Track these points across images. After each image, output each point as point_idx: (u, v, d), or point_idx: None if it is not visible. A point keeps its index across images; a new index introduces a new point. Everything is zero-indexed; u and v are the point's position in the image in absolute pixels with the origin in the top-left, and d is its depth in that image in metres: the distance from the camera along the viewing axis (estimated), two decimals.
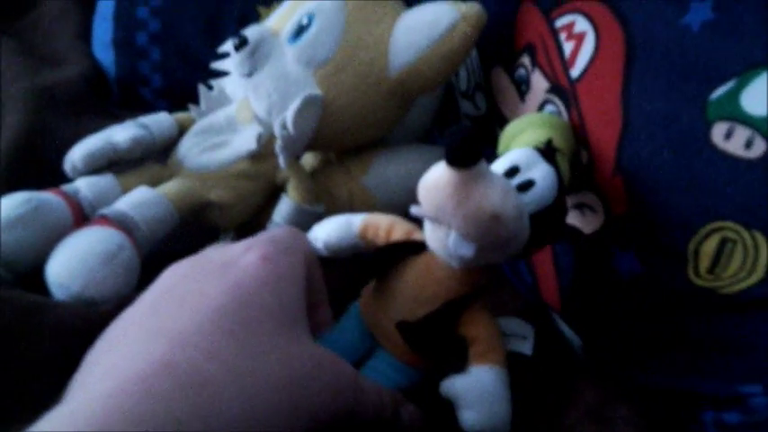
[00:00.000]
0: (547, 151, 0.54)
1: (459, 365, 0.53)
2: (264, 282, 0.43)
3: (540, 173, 0.51)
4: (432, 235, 0.49)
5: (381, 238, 0.56)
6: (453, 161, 0.42)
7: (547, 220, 0.50)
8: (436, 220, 0.47)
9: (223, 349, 0.39)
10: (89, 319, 0.57)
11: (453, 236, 0.46)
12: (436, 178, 0.44)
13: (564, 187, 0.53)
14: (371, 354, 0.57)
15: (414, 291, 0.54)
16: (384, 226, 0.57)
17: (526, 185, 0.50)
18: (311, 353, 0.43)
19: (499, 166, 0.52)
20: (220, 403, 0.36)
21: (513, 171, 0.52)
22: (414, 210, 0.47)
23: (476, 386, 0.51)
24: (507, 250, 0.48)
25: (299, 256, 0.47)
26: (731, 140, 0.51)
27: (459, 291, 0.53)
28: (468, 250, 0.46)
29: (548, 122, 0.60)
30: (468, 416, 0.50)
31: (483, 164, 0.43)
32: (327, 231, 0.58)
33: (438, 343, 0.55)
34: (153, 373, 0.36)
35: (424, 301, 0.53)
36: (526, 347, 0.57)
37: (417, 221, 0.52)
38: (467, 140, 0.41)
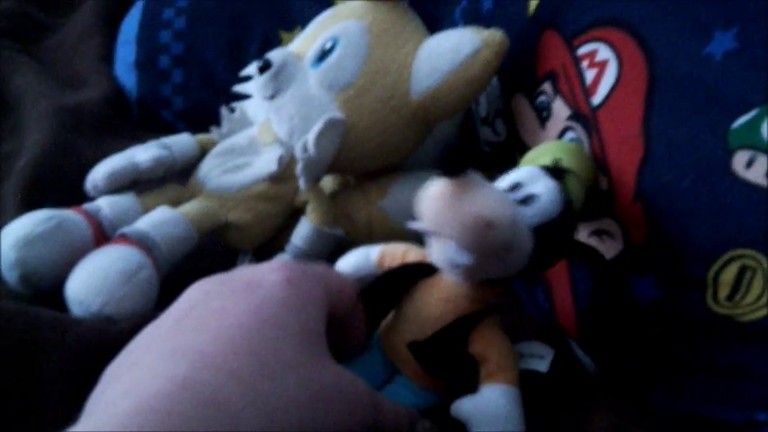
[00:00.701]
0: (553, 170, 0.54)
1: (474, 386, 0.53)
2: (288, 303, 0.43)
3: (543, 187, 0.52)
4: (434, 250, 0.50)
5: (397, 264, 0.57)
6: (446, 171, 0.44)
7: (552, 234, 0.51)
8: (434, 233, 0.47)
9: (244, 369, 0.38)
10: (108, 336, 0.57)
11: (450, 246, 0.46)
12: (432, 190, 0.46)
13: (571, 203, 0.53)
14: (391, 380, 0.57)
15: (424, 311, 0.54)
16: (399, 253, 0.57)
17: (528, 200, 0.51)
18: (331, 373, 0.43)
19: (502, 182, 0.53)
20: (239, 423, 0.36)
21: (515, 187, 0.53)
22: (411, 224, 0.48)
23: (486, 406, 0.51)
24: (509, 262, 0.49)
25: (321, 281, 0.47)
26: (752, 169, 0.51)
27: (469, 308, 0.53)
28: (465, 259, 0.46)
29: (566, 149, 0.60)
30: None
31: (475, 174, 0.45)
32: (347, 262, 0.59)
33: (449, 361, 0.55)
34: (173, 391, 0.36)
35: (434, 320, 0.53)
36: (542, 365, 0.57)
37: None
38: (459, 152, 0.44)
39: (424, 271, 0.55)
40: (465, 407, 0.51)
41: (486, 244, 0.46)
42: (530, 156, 0.62)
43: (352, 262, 0.58)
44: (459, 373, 0.55)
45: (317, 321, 0.44)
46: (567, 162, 0.58)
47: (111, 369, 0.42)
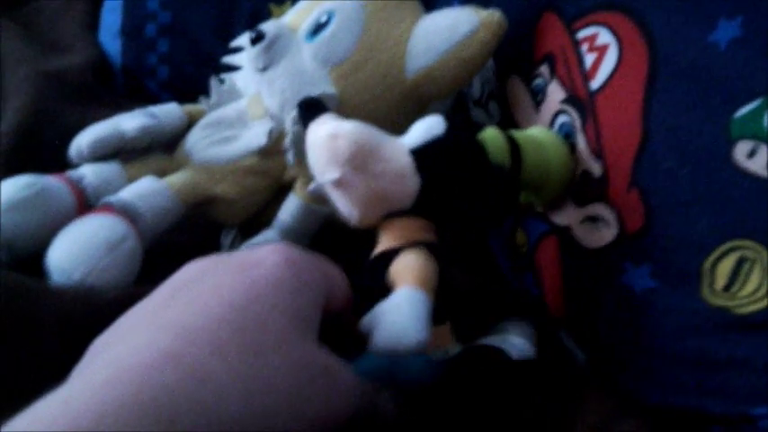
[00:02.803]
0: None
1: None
2: (282, 284, 0.42)
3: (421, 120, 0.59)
4: (332, 202, 0.54)
5: None
6: (304, 120, 0.51)
7: (440, 155, 0.53)
8: (320, 184, 0.52)
9: (228, 345, 0.38)
10: (91, 307, 0.56)
11: (319, 176, 0.51)
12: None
13: (460, 133, 0.56)
14: None
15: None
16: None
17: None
18: (319, 357, 0.41)
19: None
20: (220, 399, 0.35)
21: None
22: (310, 188, 0.54)
23: (381, 307, 0.47)
24: (388, 179, 0.51)
25: (321, 269, 0.46)
26: (754, 159, 0.51)
27: (390, 245, 0.53)
28: (330, 175, 0.50)
29: (546, 137, 0.62)
30: (374, 339, 0.46)
31: (327, 113, 0.52)
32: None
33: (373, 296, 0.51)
34: (154, 363, 0.35)
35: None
36: (527, 349, 0.55)
37: None
38: (309, 103, 0.52)
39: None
40: (367, 317, 0.48)
41: (337, 153, 0.50)
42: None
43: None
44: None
45: (311, 306, 0.43)
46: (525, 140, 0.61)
47: (97, 343, 0.41)
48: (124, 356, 0.36)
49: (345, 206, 0.53)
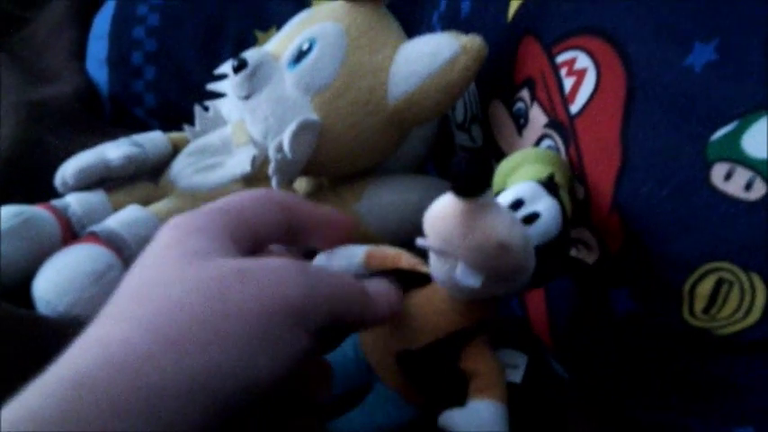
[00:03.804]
0: (549, 185, 0.53)
1: (459, 401, 0.52)
2: (166, 242, 0.44)
3: (545, 205, 0.51)
4: (437, 267, 0.48)
5: (388, 267, 0.55)
6: (460, 191, 0.41)
7: (551, 253, 0.50)
8: (443, 252, 0.46)
9: (127, 308, 0.40)
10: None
11: (460, 267, 0.45)
12: (442, 209, 0.44)
13: (567, 221, 0.53)
14: (369, 388, 0.56)
15: (415, 322, 0.53)
16: (391, 256, 0.55)
17: (531, 218, 0.50)
18: (224, 267, 0.42)
19: (503, 199, 0.52)
20: (126, 352, 0.37)
21: (517, 204, 0.52)
22: (420, 242, 0.46)
23: (474, 420, 0.50)
24: (514, 282, 0.48)
25: (217, 213, 0.46)
26: (731, 182, 0.51)
27: (461, 324, 0.52)
28: (475, 281, 0.45)
29: (543, 158, 0.60)
30: None
31: (489, 194, 0.43)
32: (331, 257, 0.56)
33: (437, 376, 0.54)
34: (67, 353, 0.38)
35: (426, 333, 0.52)
36: (516, 376, 0.56)
37: (422, 255, 0.52)
38: (472, 170, 0.40)
39: (417, 279, 0.53)
40: (455, 419, 0.50)
41: (498, 267, 0.45)
42: (505, 165, 0.61)
43: (337, 258, 0.56)
44: (443, 389, 0.54)
45: (204, 241, 0.43)
46: (549, 173, 0.57)
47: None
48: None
49: (452, 288, 0.51)
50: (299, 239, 0.51)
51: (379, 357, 0.55)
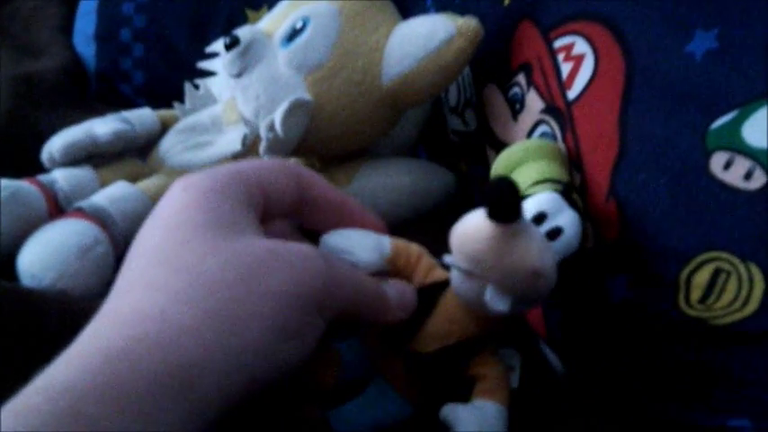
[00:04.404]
0: (567, 193, 0.53)
1: (459, 401, 0.51)
2: (185, 205, 0.43)
3: (567, 220, 0.52)
4: (462, 284, 0.48)
5: (410, 270, 0.54)
6: (496, 216, 0.41)
7: (571, 267, 0.50)
8: (472, 273, 0.45)
9: (159, 278, 0.39)
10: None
11: (490, 290, 0.44)
12: (475, 230, 0.43)
13: (587, 232, 0.53)
14: (367, 381, 0.55)
15: (427, 326, 0.52)
16: (413, 258, 0.54)
17: (554, 233, 0.51)
18: (255, 246, 0.42)
19: (525, 208, 0.51)
20: (164, 324, 0.36)
21: (540, 217, 0.52)
22: (448, 260, 0.46)
23: (478, 416, 0.49)
24: (536, 303, 0.48)
25: (234, 177, 0.46)
26: (730, 171, 0.51)
27: (474, 332, 0.51)
28: (504, 305, 0.44)
29: (546, 152, 0.59)
30: None
31: (525, 219, 0.42)
32: (359, 246, 0.53)
33: (443, 379, 0.53)
34: (97, 322, 0.38)
35: (437, 338, 0.51)
36: (513, 380, 0.56)
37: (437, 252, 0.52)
38: (511, 196, 0.40)
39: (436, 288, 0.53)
40: (459, 413, 0.49)
41: (528, 292, 0.44)
42: (507, 158, 0.60)
43: (367, 250, 0.53)
44: (445, 391, 0.53)
45: (227, 210, 0.43)
46: (559, 173, 0.58)
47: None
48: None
49: (472, 304, 0.49)
50: (306, 217, 0.51)
51: (383, 354, 0.54)
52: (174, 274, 0.39)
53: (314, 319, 0.42)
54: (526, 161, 0.59)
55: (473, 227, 0.43)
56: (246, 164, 0.47)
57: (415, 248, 0.54)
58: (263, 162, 0.48)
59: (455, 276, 0.48)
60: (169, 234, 0.41)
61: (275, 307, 0.39)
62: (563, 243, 0.50)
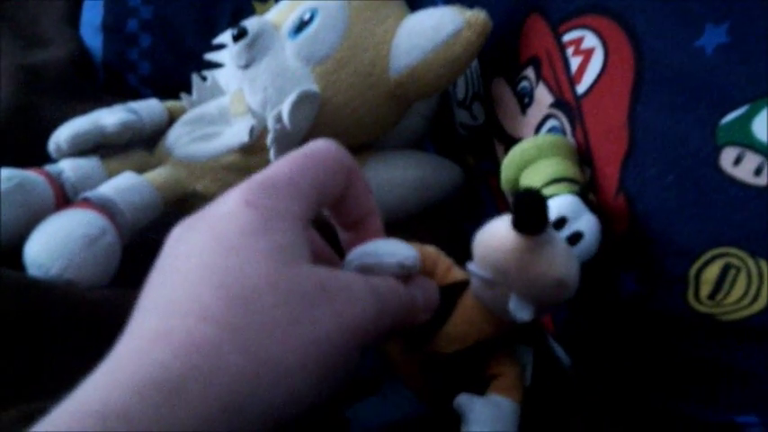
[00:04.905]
0: (583, 194, 0.54)
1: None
2: (248, 226, 0.40)
3: (587, 224, 0.52)
4: (484, 290, 0.48)
5: (428, 272, 0.54)
6: (523, 227, 0.41)
7: (590, 270, 0.50)
8: (495, 281, 0.45)
9: (213, 306, 0.37)
10: (94, 303, 0.56)
11: (514, 299, 0.45)
12: (500, 241, 0.43)
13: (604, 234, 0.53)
14: (381, 379, 0.55)
15: (446, 327, 0.52)
16: (431, 259, 0.55)
17: (575, 238, 0.51)
18: (310, 277, 0.40)
19: None
20: (219, 360, 0.35)
21: (560, 222, 0.52)
22: (471, 268, 0.46)
23: (493, 409, 0.49)
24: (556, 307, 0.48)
25: (290, 188, 0.43)
26: (740, 166, 0.50)
27: (491, 333, 0.52)
28: (527, 314, 0.45)
29: (558, 148, 0.59)
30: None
31: (551, 230, 0.43)
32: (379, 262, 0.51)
33: (460, 381, 0.53)
34: (147, 344, 0.35)
35: (456, 338, 0.52)
36: (526, 377, 0.55)
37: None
38: (537, 207, 0.40)
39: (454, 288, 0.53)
40: (475, 404, 0.49)
41: (551, 301, 0.45)
42: (518, 156, 0.60)
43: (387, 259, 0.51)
44: (461, 391, 0.53)
45: (288, 232, 0.41)
46: (572, 172, 0.58)
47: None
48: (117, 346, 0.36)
49: (492, 306, 0.49)
50: (338, 209, 0.49)
51: (399, 355, 0.54)
52: (229, 303, 0.37)
53: (354, 354, 0.41)
54: (539, 158, 0.58)
55: (498, 237, 0.43)
56: (306, 169, 0.45)
57: (430, 250, 0.54)
58: (324, 160, 0.46)
59: (476, 283, 0.48)
60: (225, 255, 0.39)
61: (317, 358, 0.38)
62: (583, 248, 0.51)
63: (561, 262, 0.43)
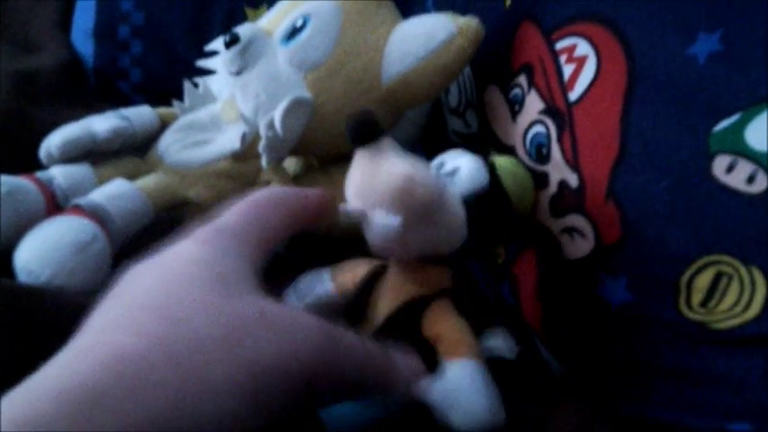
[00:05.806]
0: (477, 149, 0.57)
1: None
2: (196, 258, 0.42)
3: (465, 161, 0.54)
4: (368, 232, 0.49)
5: (350, 278, 0.56)
6: (356, 140, 0.46)
7: (483, 204, 0.52)
8: (361, 211, 0.48)
9: (147, 323, 0.38)
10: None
11: (377, 212, 0.47)
12: (352, 171, 0.48)
13: (499, 178, 0.55)
14: None
15: (373, 302, 0.54)
16: (351, 271, 0.57)
17: (452, 173, 0.53)
18: (250, 307, 0.41)
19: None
20: (146, 371, 0.35)
21: (438, 167, 0.55)
22: (341, 207, 0.49)
23: (448, 385, 0.48)
24: (443, 229, 0.50)
25: (244, 233, 0.46)
26: (733, 174, 0.51)
27: (416, 292, 0.52)
28: (394, 220, 0.46)
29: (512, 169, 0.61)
30: (453, 419, 0.47)
31: (386, 139, 0.46)
32: (308, 290, 0.58)
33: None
34: (73, 356, 0.37)
35: (383, 308, 0.53)
36: (510, 353, 0.55)
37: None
38: (363, 119, 0.46)
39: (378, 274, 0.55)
40: (432, 390, 0.47)
41: (410, 202, 0.46)
42: None
43: (314, 293, 0.58)
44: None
45: (234, 266, 0.43)
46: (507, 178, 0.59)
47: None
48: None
49: (383, 241, 0.49)
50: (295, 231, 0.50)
51: None
52: (161, 322, 0.38)
53: (297, 392, 0.40)
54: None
55: (351, 169, 0.48)
56: (253, 215, 0.47)
57: (349, 263, 0.58)
58: (267, 205, 0.48)
59: (365, 230, 0.50)
60: (168, 281, 0.41)
61: (249, 378, 0.38)
62: (462, 177, 0.52)
63: (404, 162, 0.46)
